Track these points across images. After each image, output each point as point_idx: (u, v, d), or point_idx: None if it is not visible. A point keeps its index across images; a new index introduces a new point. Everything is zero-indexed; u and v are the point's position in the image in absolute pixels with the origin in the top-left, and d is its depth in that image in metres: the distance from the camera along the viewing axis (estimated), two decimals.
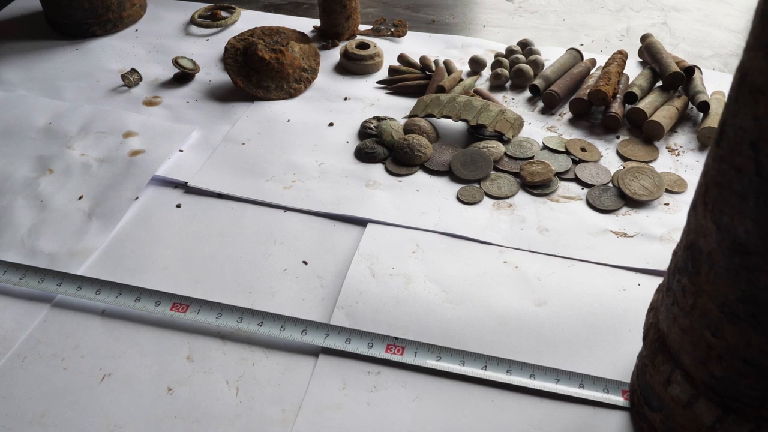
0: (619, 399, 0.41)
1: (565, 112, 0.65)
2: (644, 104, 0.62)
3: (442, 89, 0.65)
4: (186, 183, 0.57)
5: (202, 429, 0.40)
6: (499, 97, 0.67)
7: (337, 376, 0.42)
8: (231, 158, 0.60)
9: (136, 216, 0.54)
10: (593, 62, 0.69)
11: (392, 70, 0.71)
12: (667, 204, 0.55)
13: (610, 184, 0.56)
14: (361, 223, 0.53)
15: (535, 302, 0.47)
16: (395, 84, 0.69)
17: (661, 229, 0.52)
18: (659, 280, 0.48)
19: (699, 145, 0.61)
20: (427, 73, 0.70)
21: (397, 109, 0.66)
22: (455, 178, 0.57)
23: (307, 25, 0.79)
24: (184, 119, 0.65)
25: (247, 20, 0.81)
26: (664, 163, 0.59)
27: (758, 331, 0.29)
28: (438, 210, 0.54)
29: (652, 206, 0.54)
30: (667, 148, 0.60)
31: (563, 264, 0.50)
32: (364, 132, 0.62)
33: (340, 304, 0.47)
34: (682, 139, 0.61)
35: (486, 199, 0.55)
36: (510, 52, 0.72)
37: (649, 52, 0.68)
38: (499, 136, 0.60)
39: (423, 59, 0.70)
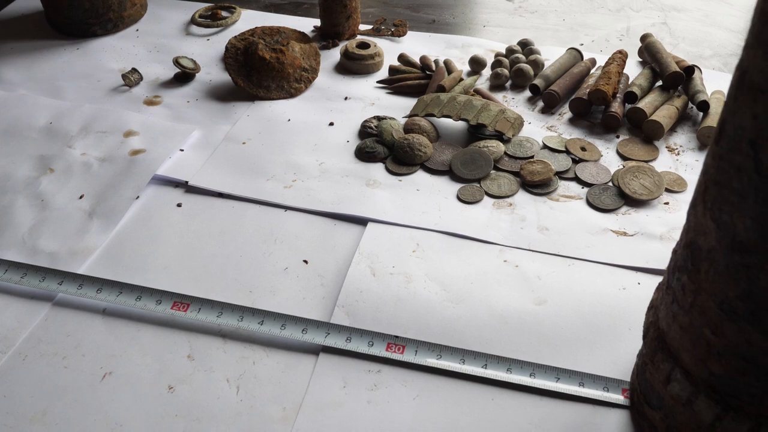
0: (619, 397, 0.41)
1: (565, 112, 0.65)
2: (644, 104, 0.62)
3: (442, 89, 0.66)
4: (187, 182, 0.57)
5: (202, 427, 0.40)
6: (499, 96, 0.67)
7: (337, 375, 0.42)
8: (231, 158, 0.60)
9: (137, 215, 0.54)
10: (593, 62, 0.69)
11: (392, 70, 0.71)
12: (666, 203, 0.55)
13: (610, 184, 0.56)
14: (362, 222, 0.54)
15: (535, 301, 0.47)
16: (395, 84, 0.69)
17: (660, 228, 0.52)
18: (659, 279, 0.48)
19: (699, 144, 0.61)
20: (428, 72, 0.70)
21: (398, 108, 0.66)
22: (455, 178, 0.57)
23: (307, 24, 0.79)
24: (185, 119, 0.65)
25: (248, 20, 0.81)
26: (663, 162, 0.59)
27: (758, 329, 0.29)
28: (438, 209, 0.54)
29: (651, 205, 0.55)
30: (666, 147, 0.60)
31: (563, 263, 0.50)
32: (364, 131, 0.62)
33: (341, 303, 0.47)
34: (682, 138, 0.62)
35: (486, 198, 0.55)
36: (510, 51, 0.72)
37: (649, 51, 0.68)
38: (500, 136, 0.61)
39: (423, 59, 0.70)
